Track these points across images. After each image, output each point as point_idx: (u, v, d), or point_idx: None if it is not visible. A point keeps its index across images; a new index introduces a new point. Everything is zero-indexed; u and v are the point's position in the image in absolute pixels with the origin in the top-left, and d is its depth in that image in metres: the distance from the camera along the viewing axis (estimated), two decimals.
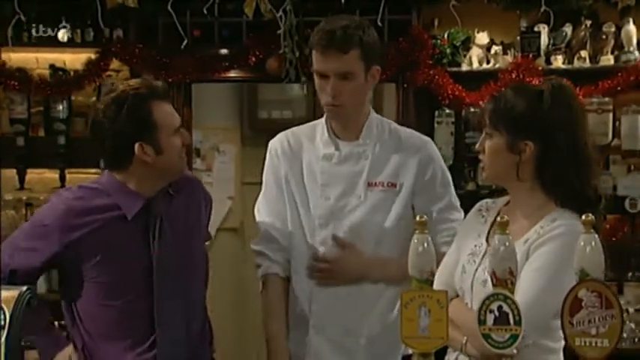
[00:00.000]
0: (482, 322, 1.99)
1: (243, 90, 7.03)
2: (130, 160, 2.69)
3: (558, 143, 2.46)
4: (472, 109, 4.90)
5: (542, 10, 4.71)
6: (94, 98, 5.20)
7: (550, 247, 2.39)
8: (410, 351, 2.99)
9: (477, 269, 2.53)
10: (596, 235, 2.02)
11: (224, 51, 5.01)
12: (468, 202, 3.01)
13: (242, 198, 6.71)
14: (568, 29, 4.96)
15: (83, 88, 5.13)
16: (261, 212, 3.10)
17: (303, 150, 3.07)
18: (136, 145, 2.66)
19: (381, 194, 2.98)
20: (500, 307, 1.98)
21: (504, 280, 2.01)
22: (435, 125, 4.89)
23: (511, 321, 1.98)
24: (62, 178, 5.17)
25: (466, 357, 2.48)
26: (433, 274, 2.07)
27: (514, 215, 2.51)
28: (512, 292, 2.01)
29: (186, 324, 2.80)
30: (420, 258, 2.06)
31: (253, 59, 4.90)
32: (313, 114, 6.84)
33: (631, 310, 4.65)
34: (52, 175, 5.21)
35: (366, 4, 4.83)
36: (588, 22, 4.95)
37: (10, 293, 2.13)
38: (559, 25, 4.94)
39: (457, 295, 2.59)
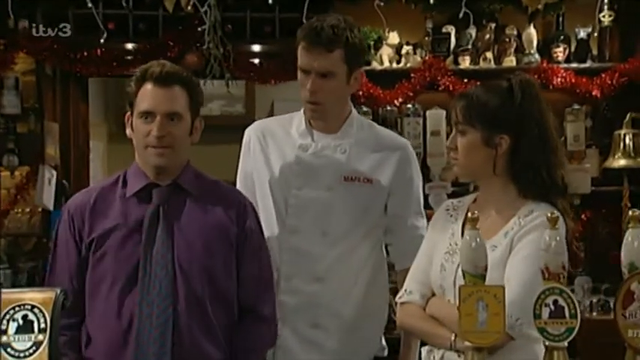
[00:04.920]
0: (537, 315, 2.03)
1: (108, 85, 6.93)
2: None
3: (530, 134, 2.51)
4: (388, 107, 4.98)
5: (462, 12, 4.81)
6: None
7: (536, 235, 2.39)
8: (385, 352, 3.08)
9: (458, 266, 2.55)
10: None
11: (140, 45, 4.87)
12: None
13: None
14: (472, 31, 5.12)
15: None
16: None
17: (277, 139, 3.03)
18: (127, 114, 2.74)
19: (356, 189, 2.95)
20: (555, 301, 2.03)
21: (557, 274, 2.06)
22: None
23: (567, 314, 2.02)
24: None
25: (454, 354, 2.47)
26: (486, 269, 2.10)
27: (485, 211, 2.55)
28: (565, 286, 2.06)
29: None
30: (474, 253, 2.09)
31: (172, 54, 4.76)
32: None
33: None
34: None
35: (286, 1, 4.80)
36: (492, 25, 5.13)
37: (46, 295, 2.04)
38: (464, 27, 5.09)
39: (433, 294, 2.60)
